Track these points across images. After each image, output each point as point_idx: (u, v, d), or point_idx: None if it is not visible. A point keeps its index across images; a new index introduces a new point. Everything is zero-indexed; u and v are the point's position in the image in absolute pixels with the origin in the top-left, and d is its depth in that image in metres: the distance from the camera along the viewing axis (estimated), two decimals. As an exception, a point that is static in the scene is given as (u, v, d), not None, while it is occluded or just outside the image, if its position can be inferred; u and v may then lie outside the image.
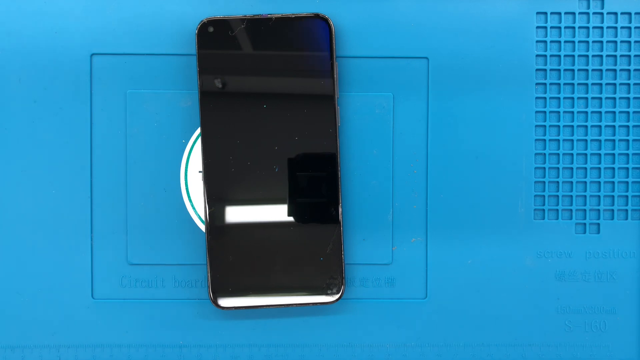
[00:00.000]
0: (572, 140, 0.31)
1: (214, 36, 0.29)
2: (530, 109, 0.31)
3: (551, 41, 0.31)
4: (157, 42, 0.30)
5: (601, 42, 0.31)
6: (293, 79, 0.29)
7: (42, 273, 0.31)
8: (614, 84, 0.31)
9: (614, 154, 0.31)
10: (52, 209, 0.30)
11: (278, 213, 0.30)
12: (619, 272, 0.31)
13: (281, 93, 0.29)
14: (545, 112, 0.31)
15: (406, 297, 0.31)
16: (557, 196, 0.31)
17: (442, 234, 0.31)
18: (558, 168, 0.31)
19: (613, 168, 0.31)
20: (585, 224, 0.31)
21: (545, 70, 0.31)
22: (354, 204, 0.31)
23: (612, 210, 0.31)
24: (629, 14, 0.31)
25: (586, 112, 0.31)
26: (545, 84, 0.31)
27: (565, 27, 0.31)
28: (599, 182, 0.31)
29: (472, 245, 0.31)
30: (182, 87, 0.30)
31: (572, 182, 0.31)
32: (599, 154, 0.31)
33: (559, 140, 0.31)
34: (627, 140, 0.31)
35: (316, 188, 0.30)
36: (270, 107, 0.29)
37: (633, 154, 0.31)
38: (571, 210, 0.31)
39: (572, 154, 0.31)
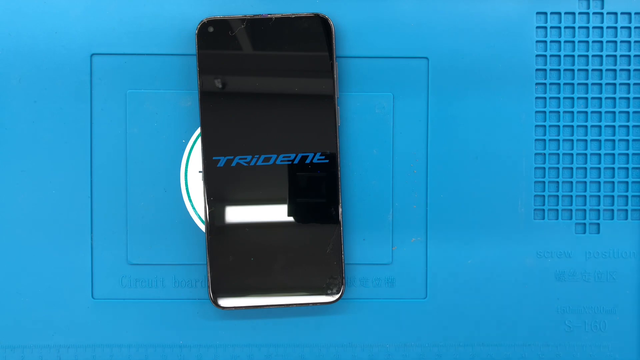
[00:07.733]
0: (572, 140, 0.31)
1: (214, 36, 0.29)
2: (530, 109, 0.31)
3: (551, 41, 0.31)
4: (157, 42, 0.30)
5: (601, 42, 0.31)
6: (293, 79, 0.29)
7: (42, 273, 0.31)
8: (614, 84, 0.31)
9: (614, 154, 0.31)
10: (52, 209, 0.30)
11: (278, 213, 0.30)
12: (619, 272, 0.31)
13: (281, 93, 0.29)
14: (545, 112, 0.31)
15: (406, 297, 0.31)
16: (557, 196, 0.31)
17: (442, 234, 0.31)
18: (558, 168, 0.31)
19: (613, 168, 0.31)
20: (585, 224, 0.31)
21: (545, 70, 0.31)
22: (354, 204, 0.31)
23: (612, 210, 0.31)
24: (629, 14, 0.31)
25: (586, 112, 0.31)
26: (545, 84, 0.31)
27: (565, 27, 0.31)
28: (599, 182, 0.31)
29: (472, 245, 0.31)
30: (182, 87, 0.30)
31: (572, 182, 0.31)
32: (599, 154, 0.31)
33: (559, 140, 0.31)
34: (627, 140, 0.31)
35: (316, 188, 0.30)
36: (270, 107, 0.29)
37: (633, 154, 0.31)
38: (571, 210, 0.31)
39: (572, 154, 0.31)
